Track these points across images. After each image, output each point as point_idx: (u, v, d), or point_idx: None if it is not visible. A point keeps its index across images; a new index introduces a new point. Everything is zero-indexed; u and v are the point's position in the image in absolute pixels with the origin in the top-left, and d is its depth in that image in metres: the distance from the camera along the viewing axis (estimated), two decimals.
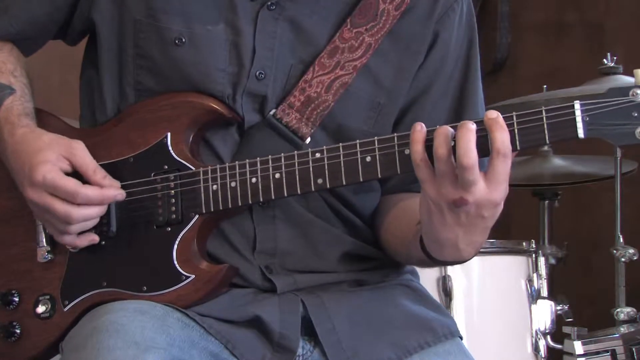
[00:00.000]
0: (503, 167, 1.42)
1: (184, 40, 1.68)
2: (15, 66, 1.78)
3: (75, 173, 1.64)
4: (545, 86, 3.04)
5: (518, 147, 1.46)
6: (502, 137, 1.42)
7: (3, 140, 1.70)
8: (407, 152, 1.53)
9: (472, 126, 1.43)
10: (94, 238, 1.66)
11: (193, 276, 1.62)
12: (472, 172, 1.41)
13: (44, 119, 1.77)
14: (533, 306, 2.70)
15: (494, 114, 1.43)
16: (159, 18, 1.69)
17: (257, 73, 1.67)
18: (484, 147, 1.43)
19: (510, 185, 1.47)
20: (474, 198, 1.43)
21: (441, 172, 1.44)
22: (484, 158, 1.44)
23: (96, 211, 1.63)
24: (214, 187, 1.63)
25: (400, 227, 1.69)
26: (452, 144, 1.44)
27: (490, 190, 1.43)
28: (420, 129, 1.46)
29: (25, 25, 1.79)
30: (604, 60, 2.96)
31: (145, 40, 1.70)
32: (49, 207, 1.61)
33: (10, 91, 1.72)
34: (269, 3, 1.68)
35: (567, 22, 4.25)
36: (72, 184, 1.61)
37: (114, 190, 1.64)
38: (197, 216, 1.64)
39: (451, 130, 1.44)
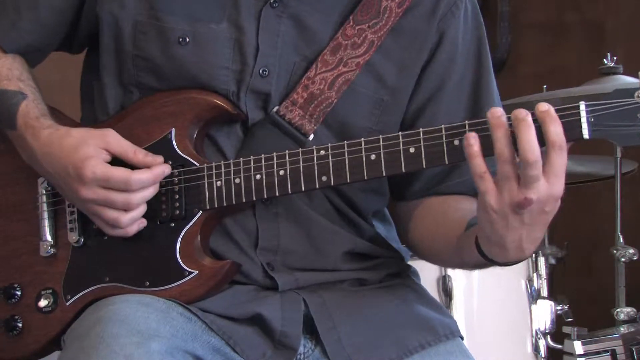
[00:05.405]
0: (560, 159, 1.40)
1: (187, 39, 1.67)
2: (21, 71, 1.75)
3: (116, 160, 1.62)
4: (545, 86, 3.03)
5: None
6: (555, 130, 1.40)
7: (28, 146, 1.67)
8: (411, 150, 1.53)
9: (529, 119, 1.40)
10: (143, 221, 1.64)
11: (196, 272, 1.62)
12: (536, 166, 1.39)
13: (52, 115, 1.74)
14: (533, 306, 2.69)
15: (545, 106, 1.41)
16: (161, 18, 1.69)
17: (261, 70, 1.67)
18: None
19: None
20: (537, 196, 1.40)
21: (505, 175, 1.42)
22: None
23: (151, 191, 1.62)
24: (218, 183, 1.62)
25: (445, 233, 1.66)
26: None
27: (550, 184, 1.41)
28: (474, 142, 1.43)
29: (35, 36, 1.77)
30: (604, 60, 2.95)
31: (145, 41, 1.69)
32: (107, 200, 1.60)
33: (22, 97, 1.69)
34: (272, 1, 1.68)
35: (567, 22, 4.25)
36: (122, 172, 1.59)
37: (161, 167, 1.63)
38: (200, 212, 1.63)
39: (505, 123, 1.42)
